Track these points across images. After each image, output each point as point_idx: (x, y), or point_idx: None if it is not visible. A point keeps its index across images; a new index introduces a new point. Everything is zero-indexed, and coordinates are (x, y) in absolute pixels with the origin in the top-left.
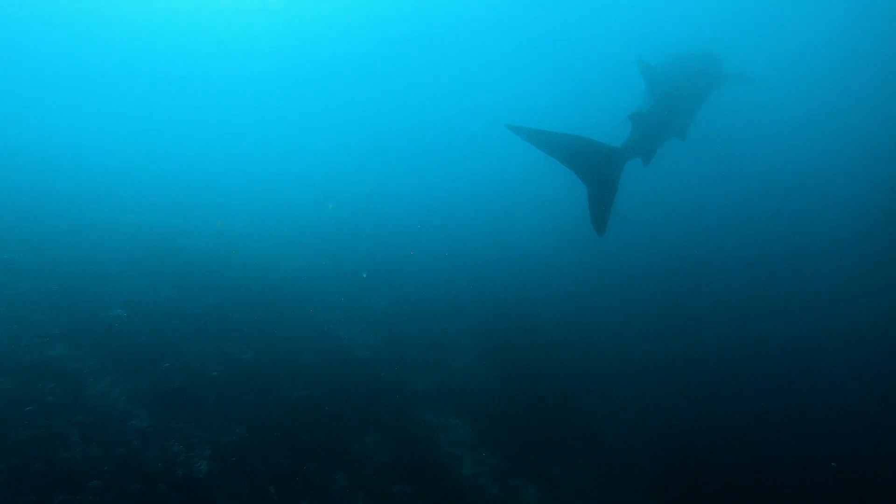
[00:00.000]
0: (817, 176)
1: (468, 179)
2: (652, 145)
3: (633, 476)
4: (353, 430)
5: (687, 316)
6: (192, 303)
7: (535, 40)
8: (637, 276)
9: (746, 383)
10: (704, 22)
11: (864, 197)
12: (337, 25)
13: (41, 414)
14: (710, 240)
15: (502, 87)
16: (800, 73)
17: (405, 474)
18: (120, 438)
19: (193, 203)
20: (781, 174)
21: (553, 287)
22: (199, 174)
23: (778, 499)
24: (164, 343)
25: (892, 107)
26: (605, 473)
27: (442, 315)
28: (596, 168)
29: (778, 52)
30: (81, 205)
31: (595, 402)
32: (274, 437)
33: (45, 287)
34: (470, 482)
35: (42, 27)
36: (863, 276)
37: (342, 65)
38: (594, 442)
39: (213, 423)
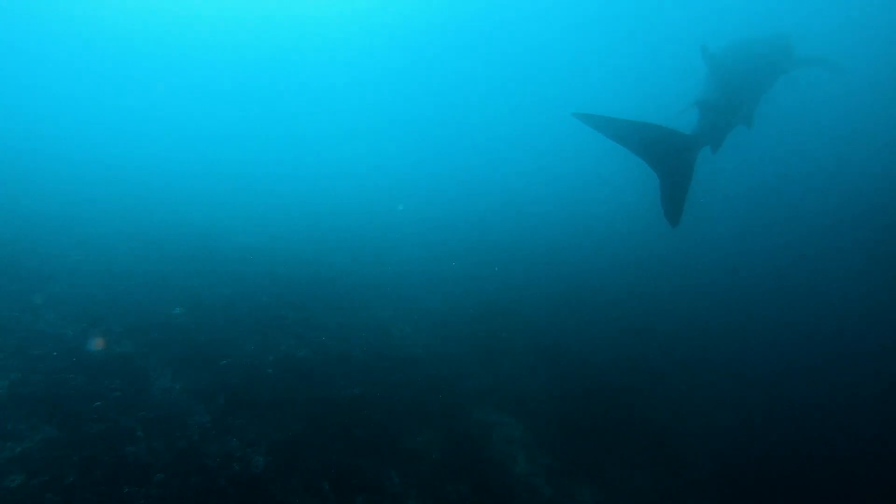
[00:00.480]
0: None
1: (516, 178)
2: (721, 133)
3: (694, 479)
4: (405, 427)
5: (761, 315)
6: (248, 301)
7: (594, 28)
8: (704, 270)
9: (827, 385)
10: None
11: None
12: (406, 27)
13: (109, 409)
14: (810, 236)
15: (560, 77)
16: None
17: (458, 473)
18: (181, 433)
19: (252, 203)
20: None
21: (608, 283)
22: (260, 176)
23: None
24: (221, 341)
25: None
26: (665, 475)
27: (495, 313)
28: (669, 157)
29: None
30: (143, 207)
31: (653, 402)
32: (328, 434)
33: (111, 287)
34: (523, 482)
35: (107, 35)
36: None
37: (410, 65)
38: (652, 442)
39: (268, 420)
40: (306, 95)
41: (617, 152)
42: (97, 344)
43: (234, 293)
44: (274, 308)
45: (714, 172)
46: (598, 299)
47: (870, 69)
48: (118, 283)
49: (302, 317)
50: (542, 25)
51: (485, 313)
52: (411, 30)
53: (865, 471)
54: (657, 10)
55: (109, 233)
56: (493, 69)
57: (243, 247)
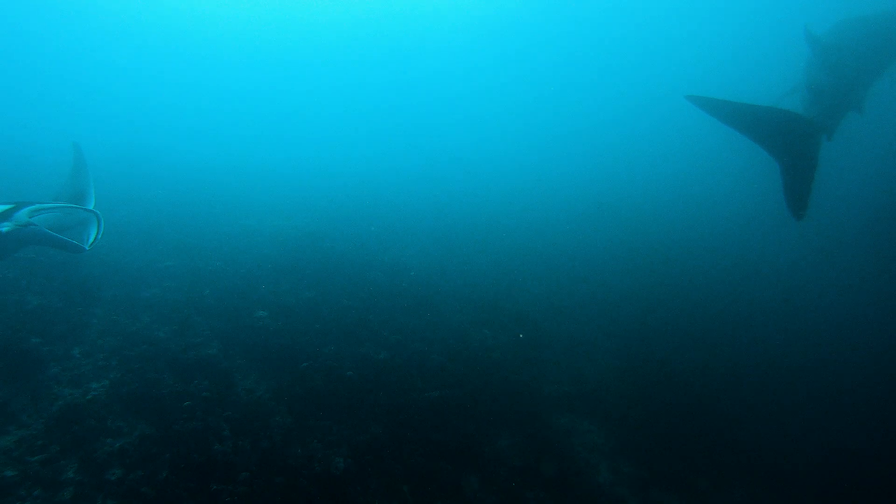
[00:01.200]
0: None
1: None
2: (835, 119)
3: (795, 496)
4: (485, 432)
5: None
6: (329, 305)
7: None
8: (820, 269)
9: None
10: None
11: None
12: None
13: (198, 408)
14: None
15: (651, 64)
16: None
17: (538, 480)
18: (265, 433)
19: (335, 208)
20: None
21: (705, 284)
22: (341, 180)
23: None
24: (303, 343)
25: None
26: (762, 491)
27: (578, 316)
28: (795, 143)
29: None
30: (229, 213)
31: (747, 411)
32: (407, 437)
33: (200, 291)
34: (607, 492)
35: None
36: None
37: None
38: (748, 454)
39: (349, 422)
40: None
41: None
42: (187, 346)
43: (317, 296)
44: (355, 311)
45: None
46: (692, 302)
47: None
48: (206, 287)
49: (382, 320)
50: (637, 9)
51: (568, 317)
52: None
53: None
54: None
55: (197, 239)
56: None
57: (327, 251)
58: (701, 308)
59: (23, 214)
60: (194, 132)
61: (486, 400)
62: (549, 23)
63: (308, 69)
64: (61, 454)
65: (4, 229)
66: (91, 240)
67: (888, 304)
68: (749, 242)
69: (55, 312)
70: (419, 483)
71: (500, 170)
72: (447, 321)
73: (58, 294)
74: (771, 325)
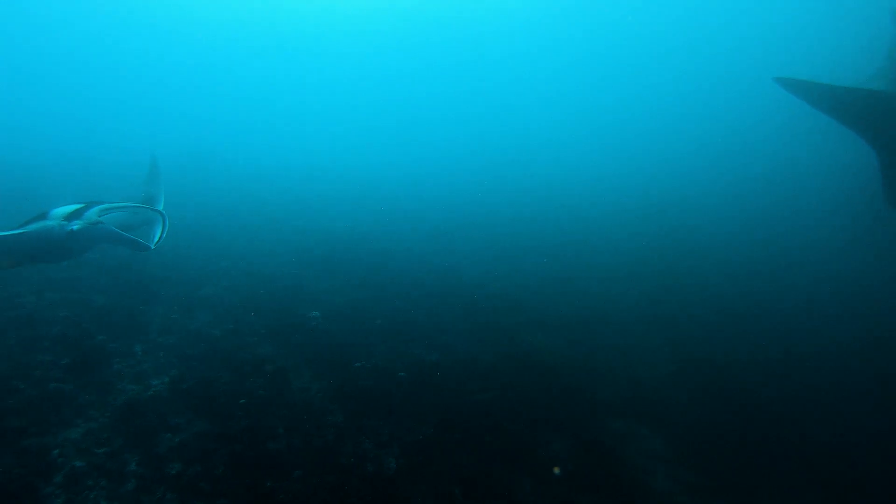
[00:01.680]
0: None
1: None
2: None
3: None
4: (538, 435)
5: None
6: (381, 305)
7: None
8: None
9: None
10: None
11: None
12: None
13: (253, 406)
14: None
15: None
16: None
17: (593, 485)
18: (318, 432)
19: (379, 209)
20: None
21: (765, 283)
22: (382, 180)
23: None
24: (355, 344)
25: None
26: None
27: (634, 320)
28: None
29: None
30: (279, 214)
31: (817, 419)
32: (459, 439)
33: (255, 291)
34: (665, 500)
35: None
36: None
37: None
38: (818, 464)
39: (400, 422)
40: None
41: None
42: (243, 345)
43: (368, 297)
44: (405, 312)
45: None
46: (757, 304)
47: None
48: (261, 287)
49: (433, 322)
50: None
51: (623, 320)
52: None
53: None
54: None
55: (250, 241)
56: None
57: (377, 252)
58: (768, 310)
59: (93, 213)
60: (233, 134)
61: (538, 403)
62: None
63: (334, 67)
64: (125, 447)
65: (76, 227)
66: (156, 239)
67: None
68: (823, 240)
69: (119, 311)
70: (470, 485)
71: (544, 168)
72: (498, 323)
73: (121, 293)
74: (848, 330)
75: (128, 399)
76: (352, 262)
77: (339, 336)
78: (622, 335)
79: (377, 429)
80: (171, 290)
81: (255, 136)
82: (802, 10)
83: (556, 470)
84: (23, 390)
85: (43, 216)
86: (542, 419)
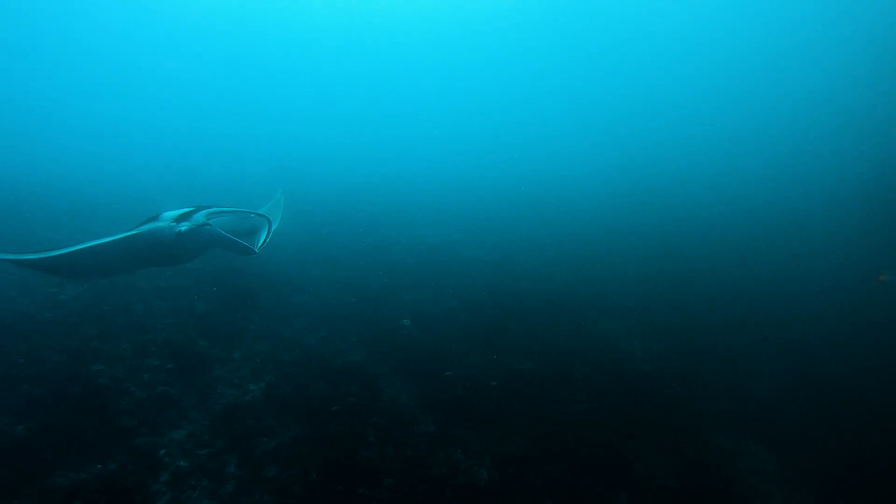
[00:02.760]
0: None
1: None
2: None
3: None
4: (636, 448)
5: None
6: (470, 313)
7: None
8: None
9: None
10: None
11: None
12: None
13: (345, 413)
14: None
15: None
16: None
17: None
18: (409, 441)
19: (466, 216)
20: None
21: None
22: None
23: None
24: (446, 352)
25: None
26: None
27: (740, 325)
28: None
29: None
30: (368, 221)
31: None
32: (552, 450)
33: (346, 299)
34: None
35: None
36: None
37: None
38: None
39: (492, 433)
40: None
41: None
42: (336, 352)
43: (459, 305)
44: (497, 320)
45: None
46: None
47: None
48: (352, 295)
49: (525, 329)
50: None
51: (729, 327)
52: None
53: None
54: None
55: (341, 249)
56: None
57: (466, 260)
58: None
59: (200, 216)
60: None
61: (635, 414)
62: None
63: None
64: (224, 449)
65: (184, 228)
66: (260, 243)
67: None
68: None
69: (219, 318)
70: (564, 498)
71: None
72: (592, 330)
73: (221, 302)
74: None
75: (227, 403)
76: (442, 270)
77: (430, 344)
78: (728, 341)
79: (469, 439)
80: (266, 299)
81: (312, 144)
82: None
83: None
84: (133, 392)
85: (154, 218)
86: (640, 432)
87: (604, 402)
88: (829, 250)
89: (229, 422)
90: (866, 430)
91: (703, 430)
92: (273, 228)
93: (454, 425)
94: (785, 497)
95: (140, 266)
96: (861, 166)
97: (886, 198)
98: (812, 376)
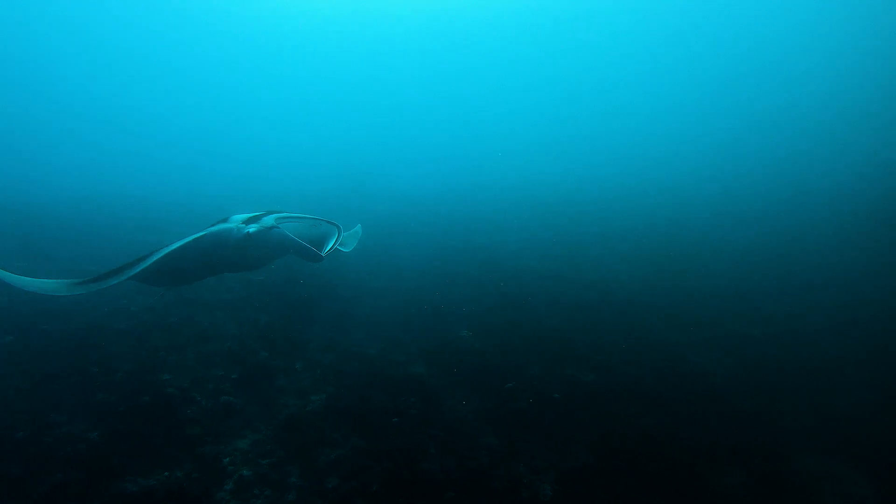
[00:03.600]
0: None
1: None
2: None
3: None
4: (710, 466)
5: None
6: (532, 324)
7: None
8: None
9: None
10: None
11: None
12: None
13: (406, 425)
14: None
15: None
16: None
17: None
18: (470, 454)
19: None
20: None
21: None
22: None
23: None
24: (507, 364)
25: None
26: None
27: (825, 334)
28: None
29: None
30: (424, 230)
31: None
32: (620, 467)
33: (406, 310)
34: None
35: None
36: None
37: None
38: None
39: (556, 447)
40: None
41: None
42: (396, 363)
43: (519, 315)
44: (559, 331)
45: None
46: None
47: None
48: (412, 306)
49: (589, 340)
50: None
51: (812, 336)
52: None
53: None
54: None
55: (400, 259)
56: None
57: (525, 268)
58: None
59: (269, 219)
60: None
61: (709, 430)
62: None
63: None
64: (286, 459)
65: (252, 230)
66: (327, 248)
67: None
68: None
69: (281, 329)
70: None
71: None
72: (658, 341)
73: (283, 313)
74: None
75: (289, 413)
76: (501, 280)
77: (490, 356)
78: (805, 356)
79: (532, 453)
80: (327, 310)
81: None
82: None
83: None
84: (199, 401)
85: (224, 220)
86: (714, 449)
87: (674, 417)
88: None
89: (291, 432)
90: None
91: (784, 448)
92: (345, 245)
93: (516, 438)
94: None
95: (209, 272)
96: None
97: None
98: None
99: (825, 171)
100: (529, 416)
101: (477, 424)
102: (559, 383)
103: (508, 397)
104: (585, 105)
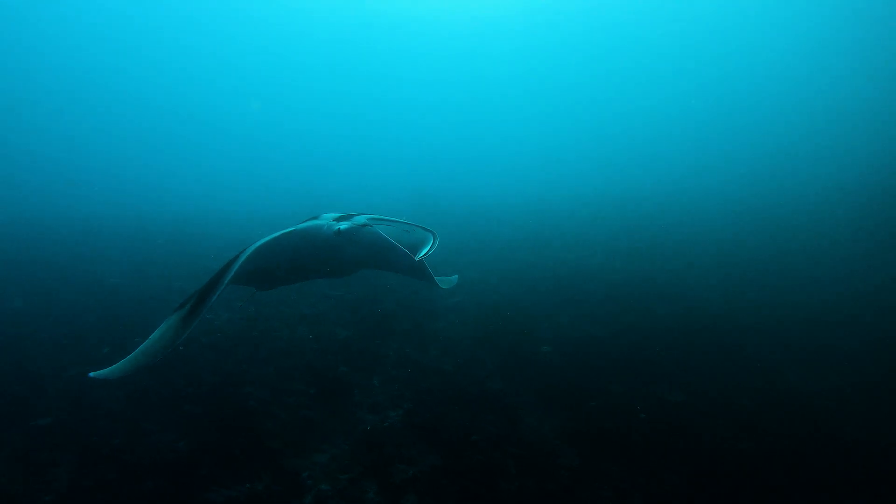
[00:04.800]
0: None
1: None
2: None
3: None
4: (813, 498)
5: None
6: (615, 340)
7: None
8: None
9: None
10: None
11: None
12: None
13: (484, 443)
14: None
15: None
16: None
17: None
18: (551, 475)
19: (605, 239)
20: None
21: None
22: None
23: None
24: (589, 381)
25: None
26: None
27: None
28: None
29: None
30: (504, 247)
31: None
32: (712, 492)
33: (484, 325)
34: None
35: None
36: None
37: None
38: None
39: (642, 470)
40: None
41: None
42: (473, 380)
43: (600, 332)
44: (644, 349)
45: None
46: None
47: None
48: (490, 322)
49: (676, 358)
50: None
51: None
52: None
53: None
54: None
55: (477, 273)
56: None
57: (606, 282)
58: None
59: (361, 218)
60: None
61: (809, 457)
62: None
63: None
64: (364, 475)
65: (343, 226)
66: (422, 252)
67: None
68: None
69: (359, 344)
70: None
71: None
72: (753, 360)
73: (361, 328)
74: None
75: (366, 429)
76: (583, 295)
77: (572, 372)
78: None
79: (616, 474)
80: (404, 325)
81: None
82: None
83: None
84: (279, 415)
85: (314, 217)
86: (820, 478)
87: (772, 441)
88: None
89: (369, 447)
90: None
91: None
92: (436, 242)
93: (600, 459)
94: None
95: (296, 273)
96: None
97: None
98: None
99: None
100: (613, 435)
101: (558, 443)
102: (645, 402)
103: (591, 416)
104: (658, 113)
